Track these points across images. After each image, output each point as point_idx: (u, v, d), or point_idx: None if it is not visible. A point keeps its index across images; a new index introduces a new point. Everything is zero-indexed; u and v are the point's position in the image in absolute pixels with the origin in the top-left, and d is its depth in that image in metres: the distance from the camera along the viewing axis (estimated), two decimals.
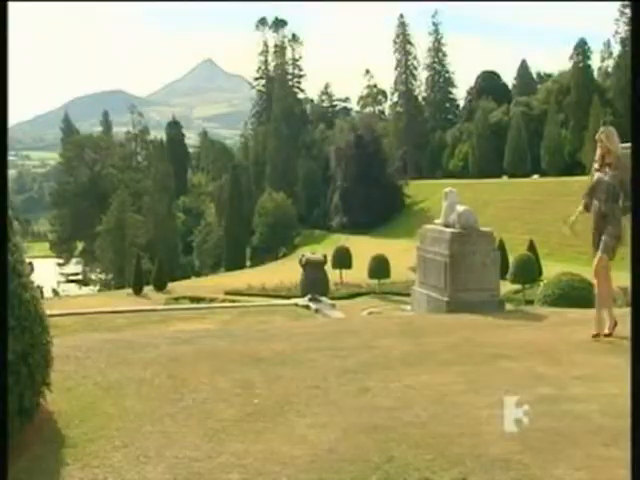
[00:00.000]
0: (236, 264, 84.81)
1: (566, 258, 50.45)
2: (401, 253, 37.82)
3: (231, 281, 48.44)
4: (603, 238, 8.10)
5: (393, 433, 5.10)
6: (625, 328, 8.84)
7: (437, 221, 14.19)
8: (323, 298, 22.94)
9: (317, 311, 20.07)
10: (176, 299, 39.00)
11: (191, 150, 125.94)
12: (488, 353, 7.85)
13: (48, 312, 5.54)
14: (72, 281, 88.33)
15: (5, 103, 4.60)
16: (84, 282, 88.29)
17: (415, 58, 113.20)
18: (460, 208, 13.12)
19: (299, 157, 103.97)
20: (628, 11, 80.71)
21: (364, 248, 49.59)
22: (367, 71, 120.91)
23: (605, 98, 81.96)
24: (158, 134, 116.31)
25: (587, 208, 8.34)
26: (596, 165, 8.27)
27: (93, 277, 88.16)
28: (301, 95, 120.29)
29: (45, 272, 66.55)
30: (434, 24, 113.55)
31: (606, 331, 8.18)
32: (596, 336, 8.10)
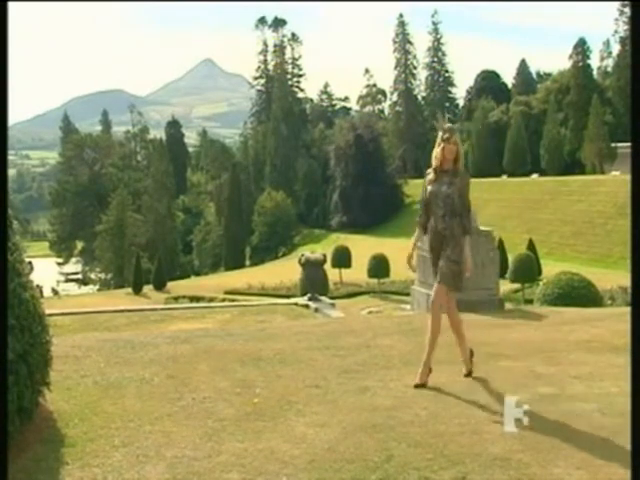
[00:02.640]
0: (236, 263, 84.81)
1: (565, 257, 50.50)
2: (401, 252, 37.61)
3: (231, 280, 48.41)
4: (440, 263, 6.46)
5: (393, 432, 5.10)
6: (622, 329, 8.85)
7: None
8: (323, 297, 22.89)
9: (317, 310, 20.03)
10: (176, 298, 38.94)
11: (191, 149, 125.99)
12: (487, 352, 7.85)
13: (47, 311, 5.54)
14: (72, 280, 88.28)
15: (5, 103, 4.60)
16: (83, 281, 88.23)
17: (415, 57, 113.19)
18: None
19: (299, 156, 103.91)
20: (627, 10, 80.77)
21: (364, 247, 49.59)
22: (367, 70, 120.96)
23: (604, 97, 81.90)
24: (158, 133, 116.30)
25: (424, 229, 6.67)
26: (431, 175, 6.49)
27: (92, 276, 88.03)
28: (301, 94, 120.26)
29: (44, 271, 66.50)
30: (434, 23, 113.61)
31: (463, 370, 6.72)
32: (420, 386, 6.28)
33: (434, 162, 6.42)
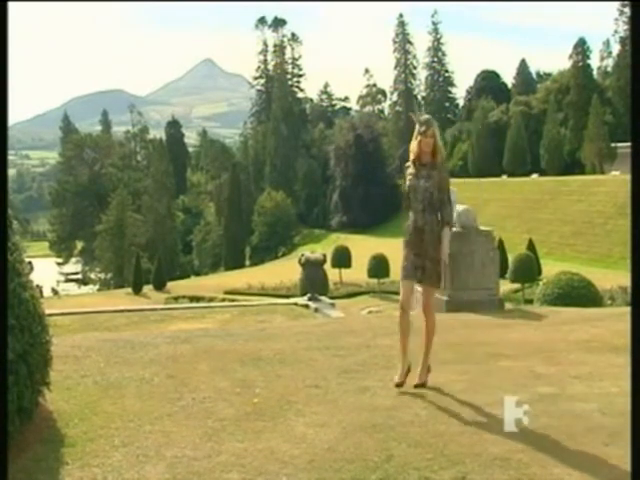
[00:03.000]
0: (235, 263, 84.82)
1: (565, 257, 50.52)
2: (401, 252, 37.81)
3: (230, 280, 48.43)
4: (422, 264, 6.22)
5: (393, 432, 5.10)
6: (621, 329, 8.85)
7: None
8: (322, 297, 22.90)
9: (316, 310, 20.03)
10: (175, 298, 38.98)
11: (190, 149, 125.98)
12: (487, 352, 7.85)
13: (47, 311, 5.54)
14: (71, 280, 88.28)
15: (5, 103, 4.59)
16: (83, 281, 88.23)
17: (414, 57, 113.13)
18: (459, 207, 13.12)
19: (298, 156, 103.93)
20: (627, 10, 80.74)
21: (364, 247, 49.59)
22: (366, 70, 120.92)
23: (604, 97, 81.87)
24: (158, 133, 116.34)
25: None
26: (411, 169, 6.30)
27: (92, 276, 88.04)
28: (300, 94, 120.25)
29: (44, 271, 66.49)
30: (433, 23, 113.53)
31: (417, 380, 6.25)
32: (399, 385, 6.16)
33: (411, 156, 6.27)
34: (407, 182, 6.28)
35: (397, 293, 34.68)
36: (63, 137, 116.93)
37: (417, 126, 6.19)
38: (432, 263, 6.20)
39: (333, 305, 21.79)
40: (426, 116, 6.36)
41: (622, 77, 79.16)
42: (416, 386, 6.14)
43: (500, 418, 5.22)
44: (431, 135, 6.12)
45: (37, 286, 5.71)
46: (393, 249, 40.28)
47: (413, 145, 6.23)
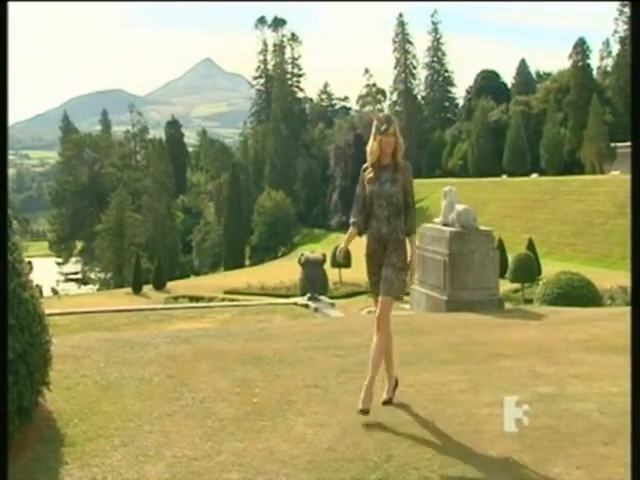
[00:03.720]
0: (235, 263, 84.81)
1: (565, 257, 50.52)
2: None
3: (230, 280, 48.42)
4: (387, 273, 5.59)
5: (392, 432, 5.10)
6: (620, 328, 8.85)
7: (436, 220, 14.21)
8: (322, 297, 22.89)
9: (316, 310, 20.03)
10: (175, 298, 38.97)
11: (190, 149, 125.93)
12: (487, 352, 7.86)
13: (47, 311, 5.54)
14: (71, 280, 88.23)
15: (5, 103, 4.59)
16: (83, 281, 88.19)
17: (414, 57, 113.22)
18: (459, 207, 13.14)
19: (298, 156, 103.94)
20: (627, 10, 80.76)
21: (363, 247, 49.56)
22: (366, 70, 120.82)
23: (604, 97, 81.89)
24: (157, 133, 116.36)
25: (360, 231, 5.82)
26: (370, 172, 5.67)
27: (92, 276, 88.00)
28: (300, 94, 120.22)
29: (44, 271, 66.46)
30: (433, 23, 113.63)
31: (384, 396, 5.75)
32: (364, 412, 5.34)
33: (370, 158, 5.65)
34: (367, 187, 5.64)
35: None
36: (63, 137, 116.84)
37: (375, 125, 5.64)
38: (395, 272, 5.59)
39: (333, 305, 21.79)
40: (386, 113, 6.06)
41: (622, 77, 79.20)
42: (384, 403, 5.68)
43: (500, 418, 5.22)
44: (392, 134, 5.57)
45: (37, 286, 5.71)
46: None
47: (372, 146, 5.63)
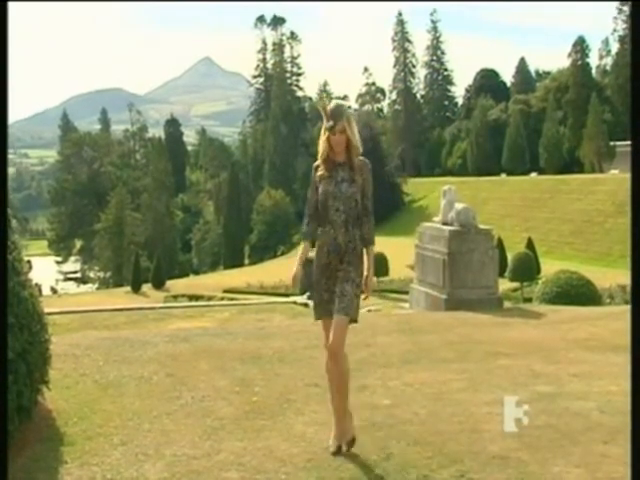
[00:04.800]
0: (234, 262, 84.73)
1: (564, 256, 50.50)
2: (400, 251, 37.80)
3: (230, 279, 48.41)
4: (344, 288, 4.69)
5: (391, 431, 5.10)
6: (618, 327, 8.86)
7: (436, 219, 14.23)
8: None
9: None
10: (175, 297, 38.96)
11: (189, 148, 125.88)
12: (486, 351, 7.87)
13: (46, 310, 5.54)
14: (70, 279, 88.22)
15: (5, 102, 4.59)
16: (82, 280, 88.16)
17: (414, 56, 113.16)
18: (459, 206, 13.15)
19: (298, 155, 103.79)
20: (626, 9, 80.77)
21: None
22: (365, 69, 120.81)
23: (603, 96, 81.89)
24: (156, 132, 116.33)
25: (312, 240, 4.98)
26: (322, 170, 4.83)
27: (92, 275, 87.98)
28: (300, 93, 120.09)
29: (43, 270, 66.52)
30: (432, 22, 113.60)
31: (332, 443, 4.74)
32: (337, 452, 4.66)
33: (320, 156, 4.85)
34: (319, 187, 4.82)
35: (396, 292, 34.47)
36: (62, 135, 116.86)
37: (324, 119, 4.78)
38: (354, 288, 4.71)
39: None
40: (336, 103, 4.82)
41: (621, 75, 79.18)
42: (348, 444, 4.71)
43: (499, 417, 5.23)
44: (341, 130, 4.71)
45: (36, 285, 5.71)
46: (392, 248, 40.29)
47: (321, 143, 4.82)
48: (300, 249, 5.01)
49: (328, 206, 4.78)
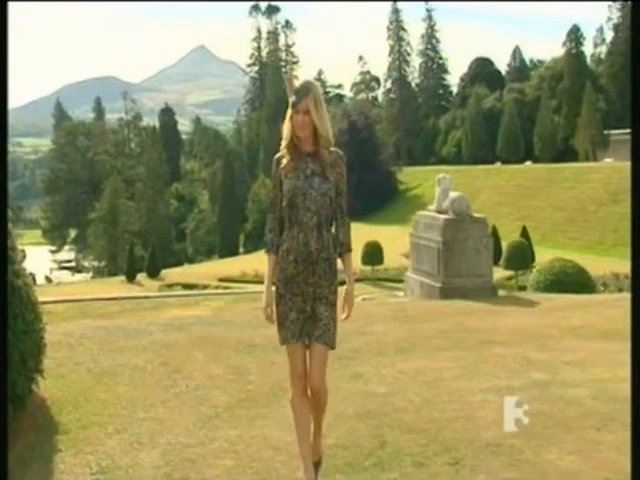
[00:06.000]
0: (229, 251, 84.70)
1: (559, 244, 50.59)
2: (394, 239, 37.86)
3: (224, 268, 48.43)
4: (315, 310, 3.89)
5: (386, 418, 5.11)
6: (618, 315, 8.90)
7: (430, 207, 14.24)
8: None
9: None
10: (169, 286, 38.91)
11: (184, 137, 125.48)
12: (481, 339, 7.89)
13: (41, 299, 5.54)
14: (65, 268, 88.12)
15: (5, 101, 4.57)
16: (77, 269, 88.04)
17: (408, 44, 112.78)
18: (453, 194, 13.15)
19: None
20: None
21: (357, 234, 49.32)
22: (360, 57, 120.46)
23: (598, 84, 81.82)
24: (151, 120, 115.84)
25: (275, 247, 3.97)
26: (286, 161, 3.96)
27: (86, 264, 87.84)
28: (295, 82, 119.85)
29: (38, 259, 66.44)
30: (427, 10, 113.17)
31: (313, 458, 4.10)
32: None
33: (284, 142, 4.01)
34: (284, 182, 3.94)
35: (391, 280, 34.47)
36: (56, 124, 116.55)
37: (288, 93, 4.02)
38: (329, 309, 3.87)
39: None
40: (306, 79, 4.11)
41: (615, 64, 79.17)
42: (314, 464, 4.09)
43: (493, 404, 5.24)
44: (304, 110, 3.89)
45: (30, 274, 5.70)
46: (387, 236, 40.36)
47: (285, 126, 4.02)
48: (267, 266, 4.01)
49: (296, 205, 3.87)
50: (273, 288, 4.01)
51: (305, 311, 3.90)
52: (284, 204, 3.91)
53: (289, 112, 3.94)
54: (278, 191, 3.97)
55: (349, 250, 3.98)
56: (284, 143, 4.00)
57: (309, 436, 4.02)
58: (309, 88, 3.95)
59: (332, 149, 3.95)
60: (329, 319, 3.86)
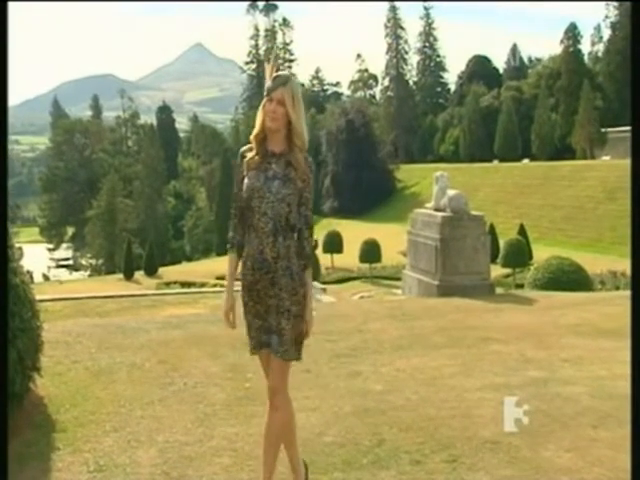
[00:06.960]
0: (227, 249, 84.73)
1: (556, 242, 50.60)
2: (392, 237, 37.85)
3: (222, 266, 47.70)
4: (276, 322, 3.69)
5: (384, 416, 5.12)
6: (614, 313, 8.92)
7: (428, 205, 14.24)
8: (314, 282, 22.92)
9: None
10: (167, 284, 38.89)
11: (182, 135, 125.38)
12: (478, 336, 7.89)
13: (38, 297, 5.53)
14: (62, 266, 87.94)
15: (5, 101, 4.57)
16: (74, 267, 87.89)
17: (406, 42, 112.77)
18: (451, 192, 13.16)
19: None
20: None
21: (355, 232, 49.58)
22: (358, 55, 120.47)
23: (595, 82, 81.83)
24: (148, 118, 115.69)
25: (234, 247, 3.82)
26: (250, 154, 3.71)
27: (83, 262, 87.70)
28: None
29: (35, 257, 66.24)
30: (425, 8, 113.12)
31: None
32: None
33: (253, 133, 3.76)
34: (245, 180, 3.66)
35: (388, 278, 34.47)
36: (53, 122, 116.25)
37: (266, 78, 3.79)
38: (291, 322, 3.67)
39: (325, 290, 21.82)
40: (287, 72, 3.93)
41: (612, 62, 79.17)
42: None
43: (491, 402, 5.24)
44: (279, 100, 3.66)
45: (27, 272, 5.70)
46: (385, 234, 40.35)
47: (258, 114, 3.79)
48: (228, 266, 3.84)
49: (252, 207, 3.62)
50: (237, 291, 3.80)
51: (267, 321, 3.70)
52: (244, 204, 3.67)
53: (264, 100, 3.68)
54: (240, 187, 3.70)
55: (307, 267, 3.67)
56: (253, 133, 3.72)
57: (273, 447, 3.85)
58: (288, 78, 3.68)
59: (302, 154, 3.70)
60: (289, 332, 3.66)
